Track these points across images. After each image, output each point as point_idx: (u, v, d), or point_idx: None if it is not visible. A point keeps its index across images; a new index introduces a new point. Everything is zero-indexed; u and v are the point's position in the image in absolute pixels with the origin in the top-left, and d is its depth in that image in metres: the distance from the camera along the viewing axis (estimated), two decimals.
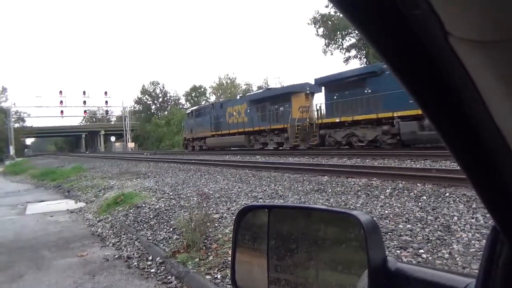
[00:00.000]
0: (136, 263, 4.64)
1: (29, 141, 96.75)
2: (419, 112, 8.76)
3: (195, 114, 30.64)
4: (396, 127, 14.66)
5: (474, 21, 0.31)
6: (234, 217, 3.47)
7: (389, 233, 3.95)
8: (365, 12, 0.35)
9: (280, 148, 21.28)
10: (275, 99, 21.54)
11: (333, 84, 17.74)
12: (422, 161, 10.31)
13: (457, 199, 5.18)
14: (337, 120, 17.11)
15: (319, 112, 19.03)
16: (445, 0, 0.31)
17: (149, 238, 5.39)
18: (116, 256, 5.00)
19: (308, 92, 20.15)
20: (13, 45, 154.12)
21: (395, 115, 14.55)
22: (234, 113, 25.12)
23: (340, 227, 0.77)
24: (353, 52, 33.19)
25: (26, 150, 77.75)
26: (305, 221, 0.84)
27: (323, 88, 18.90)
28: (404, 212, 4.76)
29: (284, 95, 21.01)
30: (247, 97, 26.15)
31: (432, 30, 0.33)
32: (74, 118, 71.00)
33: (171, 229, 5.48)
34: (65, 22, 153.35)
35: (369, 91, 15.81)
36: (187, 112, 34.88)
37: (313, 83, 19.86)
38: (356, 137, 16.64)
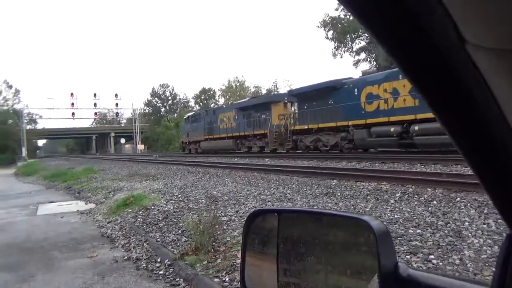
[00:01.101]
0: (145, 265, 4.66)
1: (40, 142, 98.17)
2: (368, 121, 11.69)
3: (191, 120, 33.23)
4: (351, 134, 16.98)
5: (491, 29, 0.31)
6: (242, 220, 3.47)
7: (399, 238, 3.91)
8: (380, 19, 0.35)
9: (263, 151, 23.43)
10: (258, 107, 23.97)
11: (303, 96, 20.11)
12: (433, 165, 10.20)
13: (468, 204, 5.11)
14: (306, 127, 19.55)
15: (293, 119, 21.56)
16: (462, 8, 0.31)
17: (158, 240, 5.42)
18: (125, 257, 5.03)
19: (286, 101, 22.72)
20: (25, 48, 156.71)
21: (349, 123, 16.87)
22: (225, 119, 27.62)
23: (350, 232, 0.77)
24: (362, 55, 33.08)
25: (38, 151, 78.89)
26: (315, 225, 0.84)
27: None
28: (414, 217, 4.71)
29: (265, 104, 23.64)
30: (235, 105, 28.73)
31: (449, 38, 0.33)
32: (84, 120, 71.94)
33: (179, 231, 5.51)
34: (77, 25, 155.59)
35: (332, 102, 18.14)
36: (184, 117, 37.70)
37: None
38: (322, 142, 18.98)
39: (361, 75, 18.72)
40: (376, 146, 16.64)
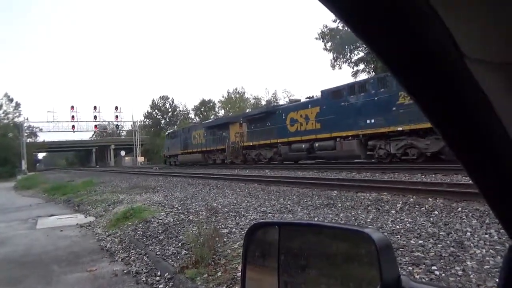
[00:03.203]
0: (144, 279, 4.61)
1: (40, 155, 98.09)
2: (290, 139, 15.81)
3: (171, 136, 38.98)
4: (279, 149, 21.85)
5: (489, 43, 0.31)
6: (243, 232, 3.45)
7: (400, 249, 3.88)
8: (380, 36, 0.35)
9: (224, 163, 27.96)
10: (221, 127, 28.59)
11: (251, 118, 25.33)
12: (433, 175, 10.18)
13: (470, 214, 5.09)
14: (251, 143, 24.45)
15: (243, 137, 25.91)
16: (460, 23, 0.31)
17: (157, 253, 5.38)
18: (125, 271, 4.99)
19: (241, 122, 26.48)
20: (26, 61, 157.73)
21: (278, 141, 21.80)
22: (197, 136, 32.36)
23: (352, 245, 0.76)
24: (361, 66, 33.25)
25: (37, 164, 78.74)
26: (316, 238, 0.84)
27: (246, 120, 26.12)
28: (416, 228, 4.68)
29: (226, 124, 28.11)
30: (204, 124, 33.45)
31: (447, 52, 0.33)
32: (85, 133, 72.11)
33: (179, 244, 5.46)
34: (78, 38, 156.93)
35: (269, 124, 22.78)
36: (165, 134, 43.36)
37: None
38: (262, 156, 23.96)
39: (289, 102, 24.99)
40: (294, 159, 21.44)
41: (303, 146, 19.52)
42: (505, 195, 0.43)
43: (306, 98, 22.00)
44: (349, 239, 0.77)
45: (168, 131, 43.90)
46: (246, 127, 25.44)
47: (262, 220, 0.94)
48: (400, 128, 14.59)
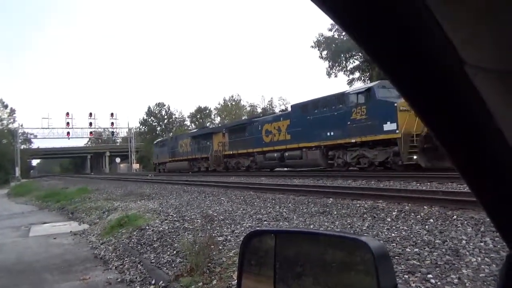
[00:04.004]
0: (138, 287, 4.56)
1: (34, 162, 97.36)
2: (264, 149, 22.34)
3: (159, 145, 40.98)
4: (255, 158, 23.78)
5: (489, 51, 0.31)
6: (238, 240, 3.42)
7: (396, 257, 3.87)
8: (381, 45, 0.35)
9: (208, 170, 29.72)
10: (205, 136, 30.57)
11: (231, 129, 27.44)
12: (428, 183, 10.21)
13: (465, 222, 5.09)
14: (231, 152, 26.31)
15: (225, 147, 27.62)
16: (460, 31, 0.31)
17: (152, 261, 5.33)
18: (119, 279, 4.93)
19: (224, 132, 28.20)
20: (21, 67, 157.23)
21: (254, 151, 23.53)
22: (183, 145, 34.27)
23: (349, 253, 0.75)
24: (357, 74, 33.47)
25: (31, 171, 78.07)
26: (312, 246, 0.83)
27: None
28: (411, 235, 4.68)
29: (209, 134, 30.19)
30: (190, 133, 36.01)
31: (448, 60, 0.33)
32: (80, 140, 71.54)
33: (174, 252, 5.42)
34: (72, 44, 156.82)
35: (247, 135, 24.64)
36: (154, 143, 45.54)
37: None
38: (240, 164, 25.89)
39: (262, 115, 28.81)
40: (268, 167, 23.30)
41: (275, 155, 21.56)
42: (504, 204, 0.43)
43: (279, 112, 26.40)
44: (345, 247, 0.76)
45: (157, 140, 46.48)
46: (228, 137, 27.26)
47: (258, 228, 0.93)
48: (353, 140, 16.38)
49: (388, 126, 14.77)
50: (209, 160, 28.88)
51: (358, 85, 17.51)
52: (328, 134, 17.67)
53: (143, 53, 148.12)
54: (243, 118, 39.93)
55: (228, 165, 27.11)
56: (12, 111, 64.96)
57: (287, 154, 20.61)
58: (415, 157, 14.14)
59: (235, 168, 26.23)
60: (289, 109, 23.07)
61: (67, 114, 58.12)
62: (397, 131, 14.34)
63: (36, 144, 70.21)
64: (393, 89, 16.07)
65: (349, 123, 16.50)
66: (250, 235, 0.90)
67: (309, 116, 19.07)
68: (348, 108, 16.63)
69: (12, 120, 64.13)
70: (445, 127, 0.40)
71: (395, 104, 14.29)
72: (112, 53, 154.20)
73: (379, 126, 15.10)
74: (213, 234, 5.60)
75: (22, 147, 61.76)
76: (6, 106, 63.12)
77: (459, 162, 0.42)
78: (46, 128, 58.72)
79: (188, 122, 75.56)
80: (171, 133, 63.68)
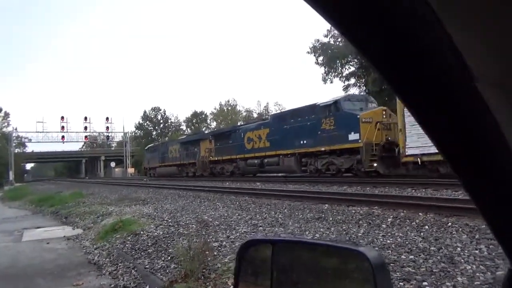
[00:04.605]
0: None
1: (29, 166, 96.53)
2: (246, 156, 23.69)
3: (150, 150, 42.24)
4: (237, 164, 24.81)
5: (499, 65, 0.31)
6: (233, 246, 3.40)
7: (391, 264, 3.87)
8: (391, 60, 0.35)
9: (195, 175, 30.56)
10: (193, 143, 31.85)
11: (217, 136, 28.61)
12: (423, 190, 10.25)
13: (460, 229, 5.11)
14: (217, 158, 27.43)
15: (211, 153, 28.72)
16: (471, 45, 0.31)
17: (146, 266, 5.29)
18: (112, 285, 4.89)
19: (210, 139, 29.27)
20: (16, 71, 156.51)
21: (237, 157, 24.54)
22: (173, 150, 35.38)
23: (347, 263, 0.75)
24: (352, 80, 33.60)
25: (25, 175, 77.41)
26: (310, 256, 0.82)
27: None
28: (407, 242, 4.68)
29: (197, 140, 31.31)
30: (179, 140, 37.56)
31: (457, 73, 0.33)
32: (75, 144, 70.90)
33: (169, 258, 5.38)
34: (67, 47, 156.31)
35: (231, 142, 25.75)
36: (145, 148, 47.06)
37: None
38: (225, 169, 26.78)
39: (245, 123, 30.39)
40: (250, 172, 24.26)
41: (256, 161, 22.71)
42: (506, 215, 0.43)
43: (260, 120, 26.83)
44: (343, 257, 0.76)
45: (148, 145, 47.83)
46: (214, 143, 28.37)
47: (255, 237, 0.93)
48: (323, 148, 17.67)
49: (352, 136, 16.12)
50: (196, 165, 30.06)
51: (327, 99, 18.52)
52: (302, 142, 18.88)
53: (139, 57, 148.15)
54: (238, 124, 40.73)
55: (213, 170, 28.12)
56: (6, 115, 64.65)
57: (266, 160, 21.90)
58: (375, 164, 15.53)
59: (220, 173, 27.19)
60: (270, 118, 24.91)
61: (62, 118, 57.82)
62: (360, 141, 15.67)
63: (31, 148, 69.69)
64: (357, 102, 17.85)
65: (319, 132, 17.83)
66: (247, 244, 0.90)
67: (286, 125, 20.42)
68: (318, 119, 17.98)
69: (6, 123, 63.77)
70: (445, 130, 0.39)
71: (358, 116, 15.95)
72: (107, 57, 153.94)
73: (345, 136, 16.43)
74: (208, 240, 5.57)
75: (16, 151, 61.21)
76: (0, 110, 62.77)
77: (462, 175, 0.42)
78: (40, 132, 58.38)
79: (184, 127, 75.52)
80: (167, 138, 63.61)
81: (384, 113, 16.59)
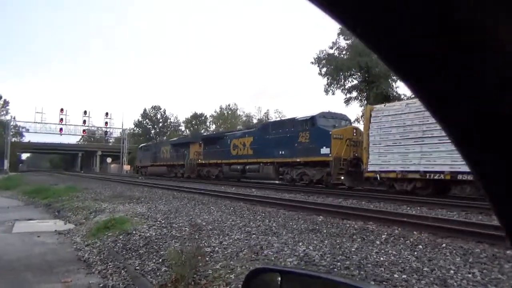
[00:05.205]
0: None
1: (24, 156, 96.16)
2: (230, 161, 25.23)
3: (143, 149, 43.33)
4: (223, 168, 26.20)
5: None
6: (226, 252, 3.35)
7: (384, 283, 3.84)
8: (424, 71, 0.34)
9: (183, 176, 31.51)
10: (183, 145, 32.92)
11: (206, 140, 30.02)
12: (418, 208, 10.24)
13: (454, 251, 5.09)
14: (204, 162, 28.78)
15: (200, 156, 29.90)
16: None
17: (136, 267, 5.23)
18: (101, 285, 4.83)
19: (200, 142, 30.27)
20: (17, 59, 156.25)
21: (222, 162, 26.10)
22: (164, 151, 36.55)
23: None
24: (354, 94, 33.63)
25: (20, 165, 77.03)
26: None
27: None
28: (400, 261, 4.66)
29: (186, 143, 32.47)
30: (170, 141, 38.59)
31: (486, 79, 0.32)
32: (72, 137, 70.49)
33: (160, 260, 5.33)
34: (70, 41, 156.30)
35: (218, 147, 27.11)
36: (139, 147, 47.96)
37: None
38: (211, 173, 28.10)
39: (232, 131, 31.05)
40: (233, 177, 25.21)
41: (239, 167, 24.25)
42: None
43: (246, 129, 28.55)
44: None
45: (142, 144, 48.89)
46: (203, 147, 29.58)
47: (263, 266, 0.90)
48: (298, 159, 19.17)
49: (324, 150, 17.63)
50: (185, 167, 31.45)
51: (303, 115, 20.23)
52: (280, 152, 20.40)
53: (142, 55, 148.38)
54: (237, 128, 41.43)
55: (200, 173, 29.52)
56: (6, 103, 64.41)
57: (248, 167, 23.45)
58: (342, 177, 16.99)
59: (206, 176, 28.53)
60: (255, 128, 26.69)
61: (62, 110, 57.61)
62: (330, 155, 17.18)
63: (28, 138, 69.40)
64: (331, 119, 19.42)
65: (296, 145, 19.32)
66: (254, 272, 0.87)
67: (268, 135, 21.96)
68: (296, 132, 19.50)
69: (4, 111, 63.51)
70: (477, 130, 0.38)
71: (330, 132, 17.54)
72: (110, 53, 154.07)
73: (318, 149, 17.93)
74: (201, 245, 5.53)
75: (13, 140, 60.94)
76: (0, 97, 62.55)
77: (487, 187, 0.40)
78: (39, 123, 58.09)
79: (183, 127, 75.46)
80: (165, 137, 63.53)
81: (354, 131, 18.32)
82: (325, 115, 19.55)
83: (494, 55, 0.32)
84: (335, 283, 0.82)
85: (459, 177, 12.27)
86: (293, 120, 20.66)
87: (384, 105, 16.12)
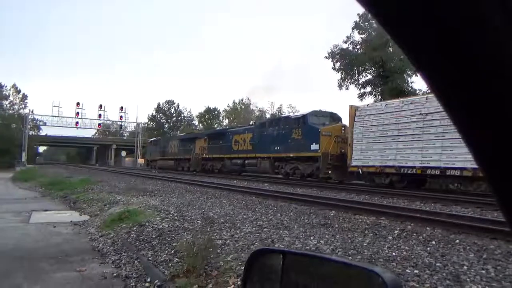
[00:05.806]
0: (133, 284, 4.55)
1: (41, 148, 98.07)
2: (232, 156, 26.95)
3: (153, 143, 44.81)
4: (224, 162, 27.43)
5: None
6: (237, 245, 3.38)
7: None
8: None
9: (189, 170, 32.26)
10: (190, 140, 34.43)
11: (211, 136, 31.15)
12: (432, 204, 10.11)
13: (468, 248, 5.02)
14: (208, 156, 30.13)
15: (204, 150, 31.10)
16: None
17: (149, 258, 5.31)
18: (115, 274, 4.92)
19: (205, 138, 31.42)
20: (36, 54, 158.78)
21: (225, 156, 27.26)
22: (172, 145, 37.88)
23: (361, 283, 0.73)
24: (368, 89, 33.28)
25: (37, 157, 78.58)
26: (321, 271, 0.80)
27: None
28: (412, 256, 4.62)
29: (193, 138, 34.06)
30: (178, 136, 40.88)
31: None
32: (88, 130, 71.65)
33: (172, 252, 5.39)
34: (88, 37, 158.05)
35: (221, 142, 28.41)
36: (149, 141, 50.25)
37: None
38: (214, 167, 29.29)
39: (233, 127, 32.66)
40: (234, 170, 26.50)
41: (239, 161, 25.58)
42: None
43: (246, 126, 29.61)
44: (357, 277, 0.74)
45: (151, 139, 50.55)
46: (207, 142, 30.81)
47: (265, 247, 0.91)
48: (291, 155, 20.47)
49: (314, 146, 18.82)
50: (191, 161, 32.62)
51: (296, 113, 22.47)
52: (276, 148, 21.65)
53: (156, 50, 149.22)
54: (250, 123, 41.94)
55: (205, 167, 30.71)
56: (24, 97, 65.42)
57: (247, 161, 24.79)
58: (329, 172, 18.06)
59: (210, 170, 29.64)
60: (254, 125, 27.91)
61: (78, 104, 58.53)
62: (319, 151, 18.35)
63: (45, 131, 70.62)
64: (322, 117, 20.61)
65: (289, 141, 20.62)
66: (257, 253, 0.88)
67: (265, 132, 23.28)
68: (290, 129, 20.73)
69: (23, 105, 64.65)
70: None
71: (319, 130, 18.75)
72: (125, 48, 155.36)
73: (309, 145, 19.14)
74: (212, 237, 5.58)
75: (30, 133, 62.13)
76: (19, 91, 63.69)
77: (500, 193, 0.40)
78: (55, 116, 59.09)
79: (196, 122, 75.86)
80: (178, 131, 63.99)
81: (343, 129, 19.20)
82: (317, 114, 20.78)
83: None
84: (337, 263, 0.83)
85: (428, 171, 13.73)
86: (287, 118, 22.57)
87: (367, 106, 17.88)
